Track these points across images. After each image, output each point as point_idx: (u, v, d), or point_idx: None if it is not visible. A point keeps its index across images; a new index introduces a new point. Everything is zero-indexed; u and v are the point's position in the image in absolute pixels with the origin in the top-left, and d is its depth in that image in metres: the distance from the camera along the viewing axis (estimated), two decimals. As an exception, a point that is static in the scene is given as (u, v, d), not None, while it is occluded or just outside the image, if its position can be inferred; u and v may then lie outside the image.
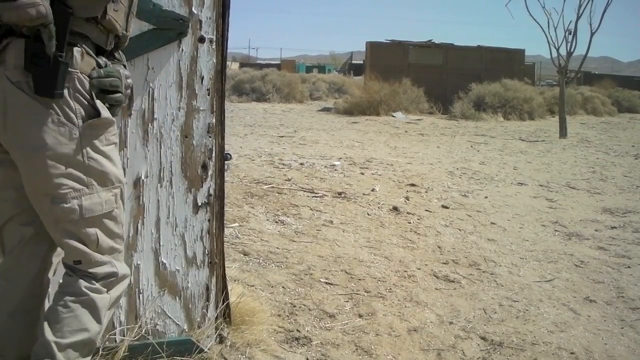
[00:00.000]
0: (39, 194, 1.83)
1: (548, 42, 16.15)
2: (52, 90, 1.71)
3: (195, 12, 2.53)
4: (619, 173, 9.37)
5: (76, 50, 1.78)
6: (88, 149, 1.84)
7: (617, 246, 5.20)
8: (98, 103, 1.84)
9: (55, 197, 1.81)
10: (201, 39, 2.55)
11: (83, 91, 1.81)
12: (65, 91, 1.76)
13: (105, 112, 1.86)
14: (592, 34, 15.84)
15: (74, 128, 1.79)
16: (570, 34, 15.93)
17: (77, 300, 1.88)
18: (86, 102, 1.82)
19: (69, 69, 1.75)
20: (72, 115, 1.79)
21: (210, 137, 2.61)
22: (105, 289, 1.93)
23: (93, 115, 1.83)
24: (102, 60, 1.90)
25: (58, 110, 1.76)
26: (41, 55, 1.69)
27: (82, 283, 1.89)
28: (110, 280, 1.95)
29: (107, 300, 1.94)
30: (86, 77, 1.82)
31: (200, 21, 2.54)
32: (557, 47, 16.11)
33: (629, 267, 4.65)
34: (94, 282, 1.91)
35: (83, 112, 1.81)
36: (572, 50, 15.96)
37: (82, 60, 1.80)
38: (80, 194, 1.84)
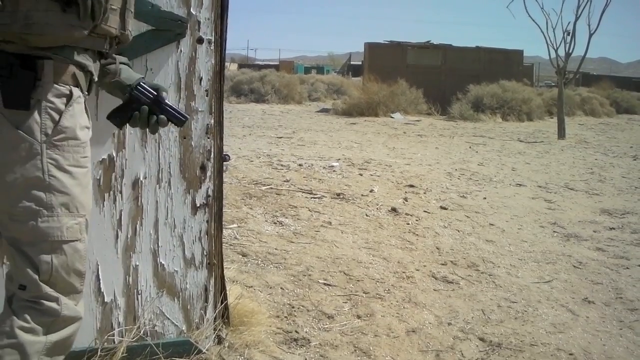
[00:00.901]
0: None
1: (546, 43, 16.16)
2: (16, 102, 1.64)
3: (194, 13, 2.53)
4: (618, 174, 9.38)
5: (47, 62, 1.69)
6: (50, 166, 1.69)
7: (615, 247, 5.20)
8: (69, 120, 1.73)
9: (13, 215, 1.68)
10: (200, 40, 2.55)
11: (54, 105, 1.70)
12: (36, 104, 1.67)
13: (77, 132, 1.75)
14: (590, 35, 15.83)
15: (34, 142, 1.67)
16: (568, 34, 15.94)
17: (3, 341, 1.65)
18: (57, 117, 1.70)
19: (39, 80, 1.68)
20: (36, 128, 1.66)
21: (208, 138, 2.61)
22: (42, 330, 1.69)
23: (62, 132, 1.71)
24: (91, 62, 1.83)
25: (21, 123, 1.65)
26: (3, 66, 1.63)
27: (15, 321, 1.66)
28: (51, 319, 1.71)
29: (41, 345, 1.69)
30: (65, 88, 1.73)
31: (199, 22, 2.54)
32: (555, 48, 16.13)
33: (627, 268, 4.66)
34: (29, 319, 1.67)
35: (50, 127, 1.69)
36: (570, 51, 15.96)
37: (57, 70, 1.71)
38: (37, 215, 1.68)
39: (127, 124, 2.03)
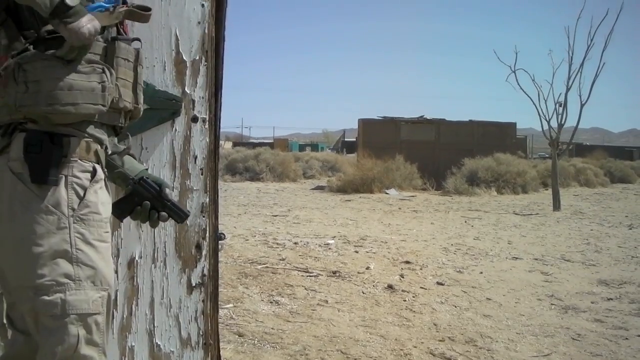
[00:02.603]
0: (23, 286, 1.72)
1: (539, 114, 16.42)
2: (45, 177, 1.70)
3: (188, 91, 2.59)
4: (614, 244, 9.39)
5: (73, 140, 1.77)
6: (77, 239, 1.73)
7: (614, 318, 5.18)
8: (93, 196, 1.79)
9: (39, 288, 1.68)
10: (194, 119, 2.60)
11: (80, 180, 1.77)
12: (62, 179, 1.74)
13: (99, 207, 1.81)
14: (582, 106, 16.06)
15: (62, 217, 1.72)
16: (560, 106, 16.18)
17: None
18: (82, 192, 1.77)
19: (65, 157, 1.75)
20: (63, 203, 1.72)
21: (204, 217, 2.64)
22: None
23: (87, 206, 1.77)
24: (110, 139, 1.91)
25: (49, 197, 1.71)
26: (34, 143, 1.71)
27: None
28: None
29: None
30: (89, 164, 1.80)
31: (193, 101, 2.60)
32: (548, 119, 16.37)
33: (626, 338, 4.62)
34: None
35: (76, 202, 1.75)
36: (563, 122, 16.17)
37: (81, 147, 1.79)
38: (66, 288, 1.69)
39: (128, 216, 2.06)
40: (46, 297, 1.68)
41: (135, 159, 2.14)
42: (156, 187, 2.02)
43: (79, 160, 1.78)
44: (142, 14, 1.93)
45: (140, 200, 2.00)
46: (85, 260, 1.74)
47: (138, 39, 2.04)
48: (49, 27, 1.74)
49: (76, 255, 1.73)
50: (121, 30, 1.97)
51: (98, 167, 1.84)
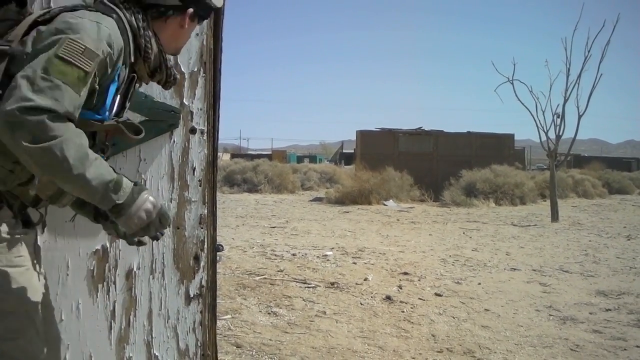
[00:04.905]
0: None
1: (537, 125, 16.46)
2: None
3: (187, 103, 2.60)
4: (612, 255, 9.39)
5: None
6: None
7: (612, 329, 5.17)
8: None
9: None
10: (192, 130, 2.61)
11: None
12: None
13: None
14: (579, 117, 16.11)
15: None
16: (558, 117, 16.23)
17: None
18: None
19: None
20: None
21: (202, 228, 2.64)
22: None
23: None
24: None
25: None
26: None
27: None
28: None
29: None
30: None
31: (192, 112, 2.61)
32: (546, 130, 16.41)
33: (625, 349, 4.62)
34: None
35: None
36: (560, 133, 16.21)
37: None
38: None
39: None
40: None
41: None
42: None
43: None
44: (129, 136, 1.91)
45: None
46: None
47: None
48: None
49: None
50: None
51: None
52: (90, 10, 1.78)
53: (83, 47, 1.64)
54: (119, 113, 1.90)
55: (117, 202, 1.68)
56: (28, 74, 1.57)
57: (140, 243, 1.98)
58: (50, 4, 2.41)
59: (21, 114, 1.51)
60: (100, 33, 1.70)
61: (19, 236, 1.83)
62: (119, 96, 1.87)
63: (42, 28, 1.73)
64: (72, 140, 1.57)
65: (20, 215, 1.86)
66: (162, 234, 1.92)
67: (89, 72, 1.65)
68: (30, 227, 1.92)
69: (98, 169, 1.64)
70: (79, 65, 1.62)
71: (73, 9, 1.78)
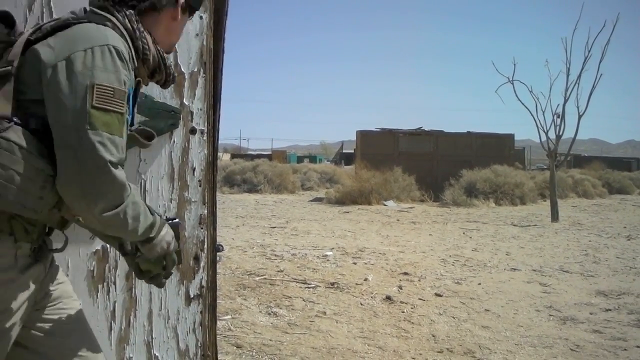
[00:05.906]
0: None
1: (537, 126, 16.47)
2: None
3: (187, 103, 2.59)
4: (612, 255, 9.39)
5: None
6: None
7: (612, 329, 5.17)
8: None
9: None
10: (192, 131, 2.61)
11: None
12: None
13: None
14: (579, 117, 16.12)
15: None
16: (558, 117, 16.24)
17: None
18: None
19: None
20: None
21: (202, 228, 2.64)
22: None
23: None
24: None
25: None
26: None
27: None
28: None
29: None
30: None
31: (192, 112, 2.61)
32: (546, 130, 16.42)
33: (625, 349, 4.62)
34: None
35: None
36: (560, 133, 16.22)
37: None
38: None
39: None
40: None
41: None
42: None
43: None
44: (143, 142, 1.95)
45: None
46: None
47: None
48: None
49: None
50: None
51: None
52: (84, 22, 1.72)
53: (112, 89, 1.62)
54: (132, 121, 1.90)
55: (150, 236, 1.80)
56: (74, 139, 1.57)
57: (153, 280, 1.97)
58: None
59: (105, 175, 1.58)
60: (113, 58, 1.66)
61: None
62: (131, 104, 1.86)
63: (38, 49, 1.66)
64: (132, 201, 1.68)
65: (37, 243, 1.77)
66: (171, 274, 1.99)
67: (124, 113, 1.66)
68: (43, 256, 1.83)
69: (145, 219, 1.75)
70: (115, 110, 1.62)
71: (65, 24, 1.72)
